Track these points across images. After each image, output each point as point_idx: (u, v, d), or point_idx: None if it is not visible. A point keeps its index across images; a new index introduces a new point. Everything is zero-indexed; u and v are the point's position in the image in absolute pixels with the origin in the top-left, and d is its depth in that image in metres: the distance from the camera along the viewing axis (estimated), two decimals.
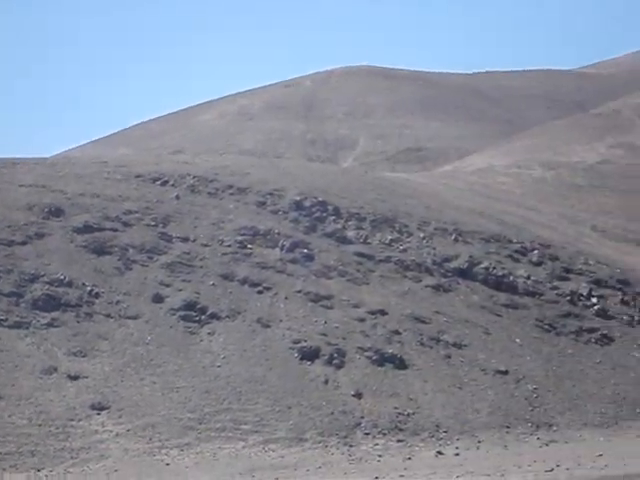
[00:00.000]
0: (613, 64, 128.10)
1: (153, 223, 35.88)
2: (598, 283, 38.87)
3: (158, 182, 38.97)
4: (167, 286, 33.03)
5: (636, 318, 37.37)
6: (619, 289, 38.86)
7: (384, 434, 28.84)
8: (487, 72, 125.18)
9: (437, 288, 36.16)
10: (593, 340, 35.54)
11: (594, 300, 37.57)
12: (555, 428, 30.49)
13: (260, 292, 33.58)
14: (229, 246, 35.41)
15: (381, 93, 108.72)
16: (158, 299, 32.40)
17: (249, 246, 35.54)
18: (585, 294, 37.77)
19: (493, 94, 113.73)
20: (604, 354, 34.84)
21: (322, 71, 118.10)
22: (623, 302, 38.07)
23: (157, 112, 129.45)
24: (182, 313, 32.00)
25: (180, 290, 32.91)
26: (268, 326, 32.14)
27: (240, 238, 35.84)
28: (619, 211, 52.57)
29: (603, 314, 37.01)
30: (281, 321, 32.41)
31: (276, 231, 36.55)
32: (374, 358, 31.66)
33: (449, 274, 37.08)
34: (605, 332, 35.96)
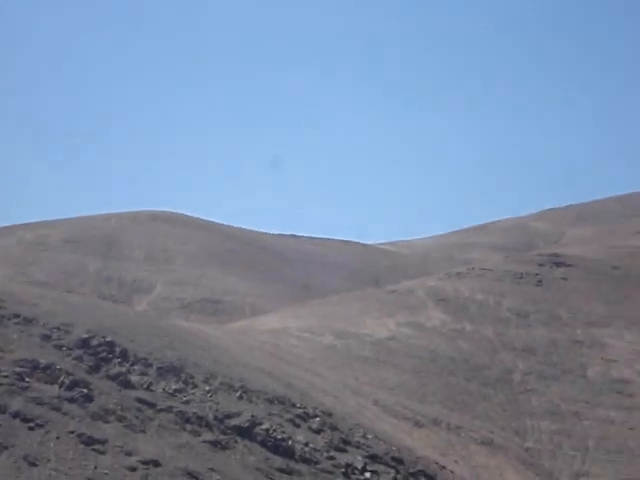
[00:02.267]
0: (409, 245, 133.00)
1: None
2: (373, 458, 39.10)
3: None
4: None
5: None
6: (393, 466, 39.19)
7: None
8: (291, 235, 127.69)
9: (215, 444, 35.57)
10: None
11: (367, 475, 37.69)
12: None
13: (31, 428, 32.19)
14: (6, 377, 33.97)
15: (184, 241, 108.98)
16: None
17: (27, 379, 34.22)
18: (359, 468, 37.89)
19: (293, 257, 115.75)
20: None
21: (127, 212, 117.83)
22: None
23: None
24: None
25: None
26: (35, 465, 30.71)
27: (19, 370, 34.48)
28: (400, 388, 53.59)
29: None
30: (49, 461, 31.06)
31: (58, 367, 35.40)
32: None
33: (229, 431, 36.61)
34: None
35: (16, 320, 37.81)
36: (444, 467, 42.86)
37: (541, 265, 76.50)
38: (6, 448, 30.99)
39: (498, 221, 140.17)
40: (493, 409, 54.95)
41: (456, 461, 46.62)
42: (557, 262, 77.44)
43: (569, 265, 77.13)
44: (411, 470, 39.66)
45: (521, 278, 73.16)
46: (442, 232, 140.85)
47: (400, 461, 39.88)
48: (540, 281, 73.14)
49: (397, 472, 38.94)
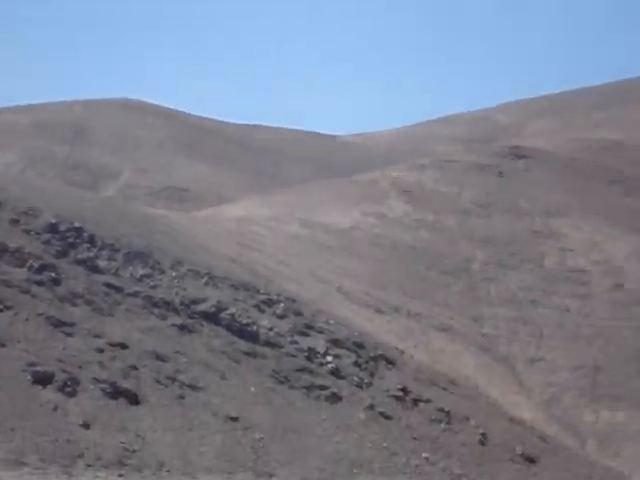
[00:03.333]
0: (374, 137, 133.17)
1: None
2: (335, 343, 40.14)
3: None
4: None
5: (366, 381, 38.82)
6: (354, 351, 40.27)
7: (106, 467, 28.70)
8: (256, 125, 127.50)
9: (182, 328, 36.45)
10: (323, 397, 36.60)
11: (329, 358, 38.77)
12: (275, 479, 31.23)
13: (0, 310, 32.89)
14: None
15: (151, 129, 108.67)
16: None
17: None
18: (322, 352, 38.95)
19: (260, 147, 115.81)
20: (332, 412, 35.95)
21: (95, 99, 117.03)
22: (356, 364, 39.48)
23: None
24: None
25: None
26: (3, 345, 31.46)
27: None
28: (363, 277, 54.56)
29: (336, 373, 38.22)
30: (18, 342, 31.82)
31: (26, 250, 35.93)
32: (108, 390, 31.53)
33: (195, 316, 37.47)
34: (335, 391, 37.12)
35: None
36: (403, 352, 44.01)
37: (503, 157, 77.14)
38: None
39: (461, 113, 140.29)
40: (452, 297, 56.15)
41: (415, 346, 47.85)
42: (518, 154, 78.06)
43: (530, 157, 77.78)
44: (372, 354, 40.73)
45: (482, 170, 73.82)
46: (406, 124, 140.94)
47: (361, 345, 40.93)
48: (501, 172, 73.81)
49: (358, 356, 39.98)
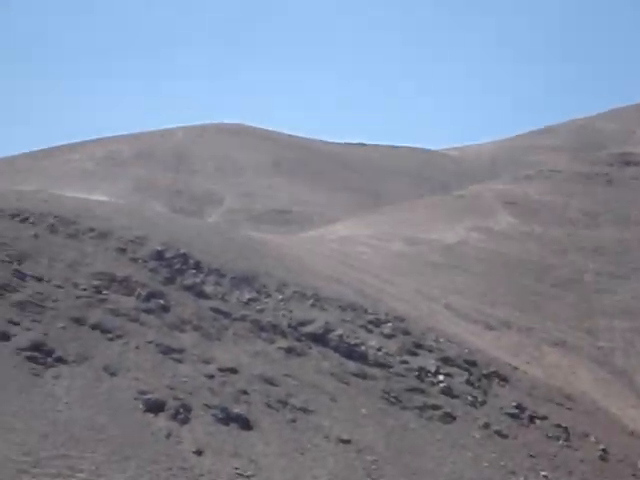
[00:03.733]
0: (475, 150, 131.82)
1: (8, 259, 35.08)
2: (446, 361, 39.52)
3: (17, 218, 38.18)
4: (15, 324, 32.22)
5: (479, 399, 38.09)
6: (466, 369, 39.58)
7: None
8: (358, 144, 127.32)
9: (289, 351, 36.24)
10: (436, 417, 36.01)
11: (441, 377, 38.16)
12: None
13: (111, 339, 33.06)
14: (84, 290, 34.83)
15: (251, 153, 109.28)
16: (5, 337, 31.56)
17: (104, 292, 35.04)
18: (433, 371, 38.35)
19: (361, 166, 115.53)
20: (446, 432, 35.32)
21: (195, 125, 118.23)
22: (469, 382, 38.78)
23: (24, 148, 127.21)
24: (28, 354, 31.22)
25: (28, 330, 32.15)
26: (115, 374, 31.61)
27: (96, 283, 35.31)
28: (471, 292, 53.77)
29: (448, 392, 37.59)
30: (129, 370, 31.93)
31: (134, 279, 36.15)
32: (219, 416, 31.44)
33: (303, 338, 37.23)
34: (448, 410, 36.50)
35: (91, 234, 38.53)
36: (517, 368, 43.14)
37: (610, 165, 75.65)
38: (87, 359, 31.87)
39: (565, 122, 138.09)
40: (564, 310, 54.95)
41: (528, 362, 46.86)
42: (627, 161, 76.48)
43: (639, 164, 76.14)
44: (484, 372, 40.02)
45: (590, 179, 72.42)
46: (508, 135, 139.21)
47: (473, 363, 40.25)
48: (609, 181, 72.34)
49: (470, 374, 39.32)
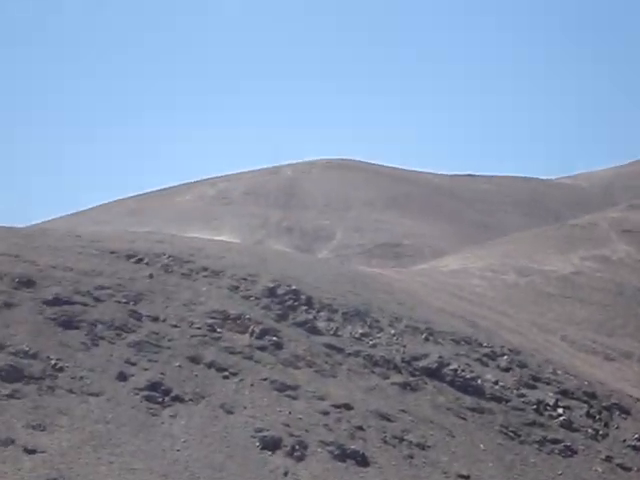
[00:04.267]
0: (588, 177, 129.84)
1: (124, 300, 35.61)
2: (565, 394, 38.75)
3: (132, 259, 38.80)
4: (133, 365, 32.62)
5: (601, 432, 37.22)
6: (585, 401, 38.74)
7: None
8: (466, 175, 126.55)
9: (404, 386, 35.93)
10: (556, 451, 35.28)
11: (560, 411, 37.41)
12: None
13: (226, 377, 33.22)
14: (199, 328, 35.14)
15: (360, 187, 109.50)
16: (122, 377, 31.97)
17: (219, 330, 35.29)
18: (551, 404, 37.62)
19: (470, 197, 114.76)
20: (567, 466, 34.57)
21: (303, 161, 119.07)
22: (589, 415, 37.94)
23: (136, 190, 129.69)
24: (145, 393, 31.55)
25: (145, 370, 32.51)
26: (231, 412, 31.73)
27: (210, 321, 35.60)
28: (588, 323, 52.76)
29: (568, 425, 36.82)
30: (245, 408, 32.03)
31: (247, 316, 36.35)
32: (336, 453, 31.26)
33: (417, 373, 36.89)
34: (569, 444, 35.74)
35: (204, 273, 38.91)
36: (638, 399, 42.08)
37: None
38: (203, 397, 32.06)
39: None
40: None
41: None
42: None
43: None
44: (604, 404, 39.12)
45: None
46: (622, 162, 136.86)
47: (593, 395, 39.39)
48: None
49: (590, 406, 38.48)
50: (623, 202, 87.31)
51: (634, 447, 36.86)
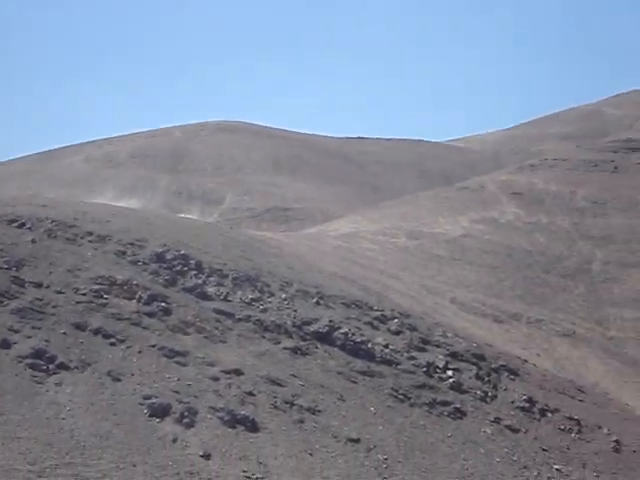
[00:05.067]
0: (478, 140, 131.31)
1: (6, 266, 34.55)
2: (454, 356, 38.97)
3: (14, 224, 37.65)
4: (16, 332, 31.67)
5: (489, 394, 37.54)
6: (474, 363, 39.04)
7: None
8: (358, 138, 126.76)
9: (295, 351, 35.68)
10: (446, 413, 35.45)
11: (449, 373, 37.60)
12: None
13: (113, 344, 32.48)
14: (84, 294, 34.27)
15: (250, 150, 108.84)
16: (5, 345, 31.01)
17: (105, 296, 34.47)
18: (441, 366, 37.79)
19: (361, 160, 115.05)
20: (456, 428, 34.77)
21: (193, 123, 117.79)
22: (478, 377, 38.23)
23: (19, 152, 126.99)
24: (29, 361, 30.66)
25: (29, 337, 31.60)
26: (118, 380, 31.04)
27: (96, 287, 34.75)
28: (477, 285, 53.24)
29: (457, 388, 37.03)
30: (132, 375, 31.37)
31: (134, 282, 35.59)
32: (226, 419, 30.87)
33: (308, 337, 36.67)
34: (458, 406, 35.95)
35: (90, 238, 38.00)
36: (526, 361, 42.64)
37: (615, 152, 75.11)
38: (89, 365, 31.32)
39: (569, 109, 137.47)
40: (573, 300, 54.43)
41: (538, 354, 46.39)
42: (632, 147, 75.93)
43: None
44: (493, 365, 39.50)
45: (595, 166, 71.86)
46: (513, 124, 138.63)
47: (482, 357, 39.73)
48: (616, 168, 71.80)
49: (479, 368, 38.80)
50: (512, 165, 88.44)
51: (522, 408, 37.28)
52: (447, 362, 38.17)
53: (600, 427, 38.09)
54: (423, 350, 38.59)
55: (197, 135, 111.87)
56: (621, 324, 53.02)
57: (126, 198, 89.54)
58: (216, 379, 32.45)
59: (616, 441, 37.42)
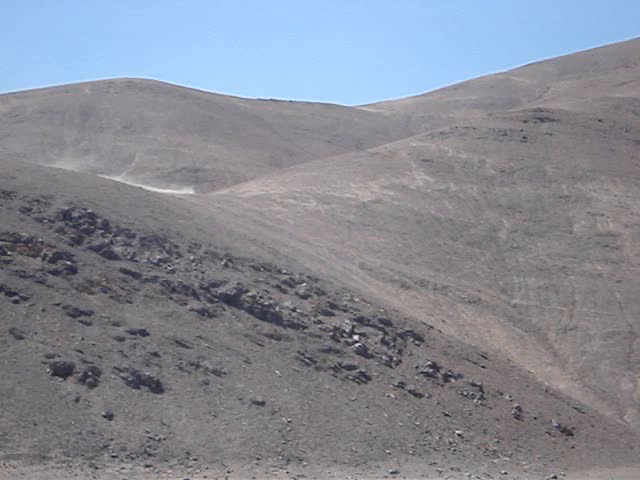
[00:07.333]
0: (390, 105, 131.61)
1: None
2: (361, 321, 39.16)
3: None
4: None
5: (394, 359, 37.83)
6: (381, 328, 39.28)
7: (132, 458, 27.82)
8: (270, 100, 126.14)
9: (202, 313, 35.47)
10: (351, 377, 35.65)
11: (356, 337, 37.79)
12: (305, 463, 30.28)
13: (16, 302, 31.90)
14: None
15: (161, 109, 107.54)
16: None
17: (9, 253, 33.78)
18: (348, 331, 37.95)
19: (274, 122, 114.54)
20: (360, 392, 34.99)
21: (102, 80, 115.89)
22: (384, 342, 38.49)
23: None
24: None
25: None
26: (21, 338, 30.53)
27: (0, 243, 34.03)
28: (386, 251, 53.46)
29: (363, 352, 37.25)
30: (35, 334, 30.87)
31: (39, 239, 34.94)
32: (130, 379, 30.61)
33: (215, 299, 36.48)
34: (363, 370, 36.17)
35: None
36: (432, 327, 43.01)
37: (525, 121, 75.79)
38: None
39: (480, 77, 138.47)
40: (479, 268, 55.02)
41: (444, 320, 46.82)
42: (541, 117, 76.70)
43: (553, 120, 76.39)
44: (399, 331, 39.79)
45: (505, 135, 72.52)
46: (424, 91, 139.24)
47: (388, 322, 39.98)
48: (524, 137, 72.51)
49: (385, 333, 39.05)
50: (423, 132, 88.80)
51: (426, 374, 37.64)
52: (354, 327, 38.35)
53: (502, 393, 38.66)
54: (330, 314, 38.69)
55: (106, 91, 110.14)
56: (525, 292, 53.80)
57: (32, 154, 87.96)
58: (121, 339, 32.12)
59: (517, 407, 38.03)
